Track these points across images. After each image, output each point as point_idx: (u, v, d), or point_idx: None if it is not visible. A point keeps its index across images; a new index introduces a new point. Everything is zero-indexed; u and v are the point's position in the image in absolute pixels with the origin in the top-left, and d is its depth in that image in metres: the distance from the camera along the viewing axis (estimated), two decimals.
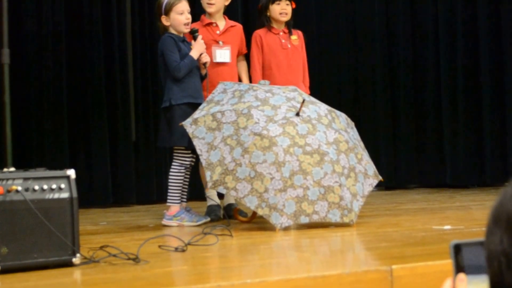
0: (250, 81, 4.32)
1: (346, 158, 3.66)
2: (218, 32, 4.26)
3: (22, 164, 4.33)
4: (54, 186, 2.49)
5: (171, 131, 3.89)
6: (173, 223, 3.88)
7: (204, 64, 4.01)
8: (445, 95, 6.26)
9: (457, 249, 1.05)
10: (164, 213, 3.96)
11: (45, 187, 2.48)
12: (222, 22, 4.30)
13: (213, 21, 4.27)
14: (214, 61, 4.17)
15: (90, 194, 5.26)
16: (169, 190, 3.95)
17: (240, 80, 4.31)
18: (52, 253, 2.47)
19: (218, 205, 4.20)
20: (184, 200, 4.02)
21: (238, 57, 4.35)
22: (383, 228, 3.54)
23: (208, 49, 4.14)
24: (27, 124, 5.18)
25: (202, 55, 3.99)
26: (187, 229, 3.74)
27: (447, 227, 3.39)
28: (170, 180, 3.95)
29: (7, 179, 2.43)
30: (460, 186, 6.07)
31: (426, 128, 6.34)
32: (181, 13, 3.97)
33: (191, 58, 3.95)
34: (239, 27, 4.37)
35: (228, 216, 4.13)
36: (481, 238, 1.04)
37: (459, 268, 1.05)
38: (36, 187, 2.46)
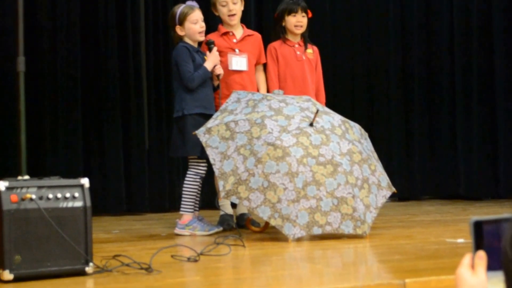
0: (267, 92, 4.30)
1: (360, 169, 3.64)
2: (234, 40, 4.26)
3: (36, 172, 4.35)
4: (68, 195, 2.50)
5: (183, 141, 3.90)
6: (186, 232, 3.88)
7: (218, 76, 4.01)
8: (459, 107, 6.23)
9: (477, 226, 1.05)
10: (176, 221, 3.96)
11: (59, 195, 2.49)
12: (239, 31, 4.30)
13: (230, 30, 4.27)
14: (230, 68, 4.16)
15: (103, 202, 5.27)
16: (183, 199, 3.95)
17: (257, 89, 4.29)
18: (65, 261, 2.47)
19: (230, 215, 4.19)
20: (197, 209, 4.02)
21: (256, 67, 4.33)
22: (396, 240, 3.52)
23: (224, 57, 4.14)
24: (41, 132, 5.20)
25: (216, 67, 4.00)
26: (199, 238, 3.74)
27: (461, 240, 3.36)
28: (184, 189, 3.96)
29: (22, 187, 2.44)
30: (474, 198, 6.03)
31: (440, 139, 6.30)
32: (195, 22, 3.98)
33: (205, 69, 3.96)
34: (257, 36, 4.36)
35: (240, 226, 4.13)
36: (501, 215, 1.04)
37: (479, 245, 1.04)
38: (50, 196, 2.47)
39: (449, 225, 4.20)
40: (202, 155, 3.84)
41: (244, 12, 4.41)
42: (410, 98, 6.33)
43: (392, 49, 6.28)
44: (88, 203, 2.53)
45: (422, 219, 4.65)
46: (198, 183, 3.95)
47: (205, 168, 3.95)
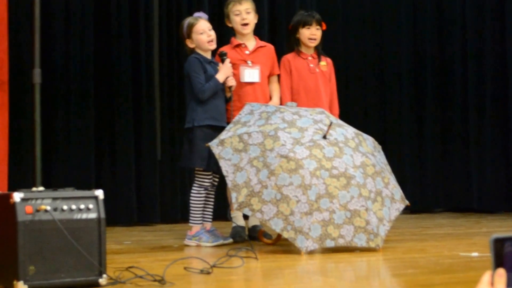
0: (280, 104, 4.30)
1: (373, 182, 3.63)
2: (247, 52, 4.27)
3: (47, 182, 4.37)
4: (82, 207, 2.51)
5: (191, 152, 3.92)
6: (192, 243, 3.93)
7: (230, 87, 4.02)
8: (472, 120, 6.19)
9: (498, 243, 1.04)
10: (187, 232, 3.99)
11: (74, 207, 2.49)
12: (251, 43, 4.31)
13: (243, 42, 4.28)
14: (242, 80, 4.17)
15: (115, 212, 5.27)
16: (190, 211, 3.99)
17: (270, 99, 4.29)
18: (79, 273, 2.47)
19: (242, 227, 4.19)
20: (209, 220, 4.02)
21: (270, 78, 4.34)
22: (409, 253, 3.50)
23: (236, 69, 4.15)
24: (53, 142, 5.22)
25: (228, 79, 4.01)
26: (211, 250, 3.74)
27: (475, 254, 3.34)
28: (190, 201, 3.99)
29: (36, 199, 2.45)
30: (487, 211, 5.99)
31: (453, 151, 6.28)
32: (202, 33, 3.99)
33: (217, 81, 3.96)
34: (269, 47, 4.36)
35: (252, 238, 4.12)
36: None
37: (499, 262, 1.03)
38: (65, 207, 2.48)
39: (463, 238, 4.17)
40: (208, 167, 3.88)
41: (258, 24, 4.42)
42: (422, 111, 6.31)
43: (404, 66, 6.27)
44: (102, 215, 2.54)
45: (435, 232, 4.62)
46: (203, 195, 3.97)
47: (210, 180, 3.97)
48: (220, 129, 3.85)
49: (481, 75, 6.17)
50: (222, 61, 4.05)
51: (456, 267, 3.01)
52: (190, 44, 4.02)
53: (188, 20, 4.05)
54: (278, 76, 4.35)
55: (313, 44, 4.35)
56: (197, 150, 3.86)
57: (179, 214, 5.51)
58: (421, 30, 6.33)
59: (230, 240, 3.97)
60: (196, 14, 4.10)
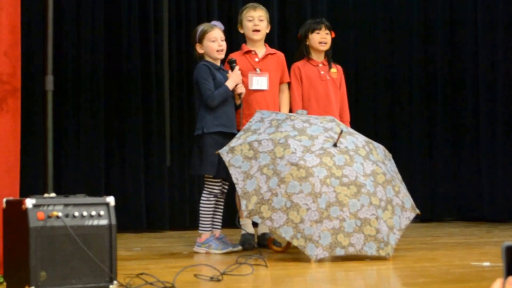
0: (290, 112, 4.30)
1: (384, 191, 3.62)
2: (256, 59, 4.28)
3: (58, 187, 4.39)
4: (93, 213, 2.51)
5: (201, 159, 3.92)
6: (201, 250, 3.94)
7: (239, 94, 4.03)
8: (483, 129, 6.17)
9: (509, 251, 1.03)
10: (196, 239, 3.99)
11: (85, 213, 2.50)
12: (261, 50, 4.32)
13: (253, 49, 4.29)
14: (250, 88, 4.18)
15: (124, 219, 5.28)
16: (200, 218, 4.00)
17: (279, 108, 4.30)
18: (90, 279, 2.48)
19: (252, 234, 4.19)
20: (218, 227, 4.03)
21: (281, 86, 4.34)
22: (420, 262, 3.48)
23: (246, 76, 4.16)
24: (63, 148, 5.24)
25: (238, 86, 4.02)
26: (221, 257, 3.74)
27: (486, 263, 3.32)
28: (200, 208, 4.00)
29: (48, 205, 2.46)
30: (498, 220, 5.95)
31: (463, 160, 6.25)
32: (214, 41, 4.00)
33: (226, 88, 3.97)
34: (279, 54, 4.37)
35: (262, 245, 4.11)
36: None
37: (510, 270, 1.03)
38: (76, 214, 2.49)
39: (474, 247, 4.15)
40: (217, 174, 3.88)
41: (268, 33, 4.44)
42: (433, 120, 6.29)
43: (415, 69, 6.26)
44: (113, 222, 2.54)
45: (445, 241, 4.60)
46: (213, 202, 3.97)
47: (219, 188, 3.97)
48: (230, 135, 3.85)
49: (492, 83, 6.15)
50: (232, 68, 4.06)
51: (467, 276, 2.99)
52: (199, 49, 4.04)
53: (203, 26, 4.07)
54: (288, 84, 4.35)
55: (324, 48, 4.35)
56: (207, 157, 3.87)
57: (188, 221, 5.52)
58: (432, 37, 6.32)
59: (240, 248, 3.97)
60: (213, 22, 4.12)
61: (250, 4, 4.40)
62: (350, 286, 2.98)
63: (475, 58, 6.22)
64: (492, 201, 6.08)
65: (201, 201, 4.00)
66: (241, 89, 4.03)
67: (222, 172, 3.82)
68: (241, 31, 4.35)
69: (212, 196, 3.97)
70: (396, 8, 6.32)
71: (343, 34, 5.83)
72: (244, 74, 4.12)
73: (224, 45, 4.04)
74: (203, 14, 5.61)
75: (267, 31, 4.33)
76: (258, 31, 4.26)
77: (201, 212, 3.99)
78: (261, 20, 4.26)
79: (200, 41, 4.02)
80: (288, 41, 5.80)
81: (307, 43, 4.38)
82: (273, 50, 4.39)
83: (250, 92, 4.17)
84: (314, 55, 4.39)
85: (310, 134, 3.69)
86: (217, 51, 4.00)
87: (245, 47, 4.32)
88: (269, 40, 4.90)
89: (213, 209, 3.99)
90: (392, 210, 3.63)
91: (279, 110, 4.23)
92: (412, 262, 3.50)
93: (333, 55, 4.47)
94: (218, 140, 3.88)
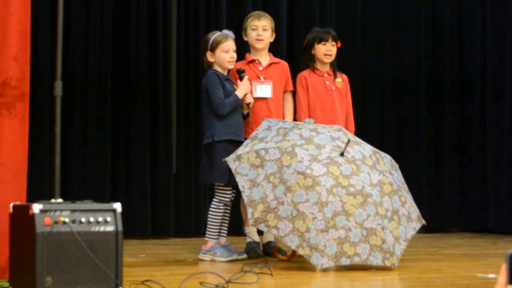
0: (294, 120, 4.30)
1: (390, 201, 3.61)
2: (260, 68, 4.29)
3: (64, 193, 4.38)
4: (100, 219, 2.52)
5: (211, 168, 3.92)
6: (207, 257, 3.93)
7: (248, 104, 4.04)
8: (489, 140, 6.15)
9: None
10: (201, 247, 3.99)
11: (92, 219, 2.51)
12: (265, 59, 4.34)
13: (256, 58, 4.31)
14: (254, 96, 4.19)
15: (129, 225, 5.28)
16: (208, 226, 3.99)
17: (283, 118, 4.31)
18: (96, 285, 2.48)
19: (257, 242, 4.18)
20: (224, 235, 4.02)
21: (284, 95, 4.35)
22: (426, 273, 3.47)
23: (250, 85, 4.17)
24: (70, 153, 5.25)
25: (247, 95, 4.03)
26: (226, 265, 3.73)
27: (492, 275, 3.30)
28: (209, 216, 3.99)
29: (55, 210, 2.47)
30: (503, 232, 5.92)
31: (469, 171, 6.23)
32: (227, 51, 4.01)
33: (236, 97, 3.99)
34: (283, 63, 4.39)
35: (267, 253, 4.11)
36: None
37: None
38: (83, 219, 2.49)
39: (479, 259, 4.14)
40: (229, 182, 3.88)
41: (276, 40, 4.44)
42: (440, 130, 6.28)
43: (422, 78, 6.26)
44: (120, 228, 2.55)
45: (451, 252, 4.58)
46: (222, 210, 3.97)
47: (230, 196, 3.97)
48: (240, 144, 3.85)
49: (500, 94, 6.14)
50: (240, 78, 4.07)
51: None
52: (210, 57, 4.04)
53: (216, 35, 4.06)
54: (293, 93, 4.36)
55: (329, 60, 4.36)
56: (218, 166, 3.86)
57: (193, 228, 5.51)
58: (440, 47, 6.31)
59: (245, 256, 3.96)
60: (225, 32, 4.12)
61: (256, 12, 4.41)
62: None
63: (483, 67, 6.20)
64: (497, 212, 6.06)
65: (211, 209, 3.99)
66: (250, 99, 4.04)
67: (233, 180, 3.81)
68: (245, 39, 4.36)
69: (222, 204, 3.96)
70: (404, 14, 6.30)
71: (351, 40, 5.84)
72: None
73: (235, 56, 4.06)
74: (212, 21, 5.62)
75: (271, 40, 4.34)
76: (261, 40, 4.27)
77: (209, 219, 3.99)
78: (265, 30, 4.27)
79: (213, 50, 4.02)
80: (296, 49, 5.78)
81: (312, 52, 4.38)
82: (277, 60, 4.40)
83: (254, 100, 4.18)
84: (319, 65, 4.39)
85: (317, 143, 3.69)
86: (229, 61, 4.02)
87: (249, 57, 4.33)
88: (277, 49, 4.91)
89: (222, 218, 3.99)
90: (398, 220, 3.62)
91: (283, 119, 4.23)
92: (417, 273, 3.49)
93: (339, 63, 4.47)
94: (228, 148, 3.88)
